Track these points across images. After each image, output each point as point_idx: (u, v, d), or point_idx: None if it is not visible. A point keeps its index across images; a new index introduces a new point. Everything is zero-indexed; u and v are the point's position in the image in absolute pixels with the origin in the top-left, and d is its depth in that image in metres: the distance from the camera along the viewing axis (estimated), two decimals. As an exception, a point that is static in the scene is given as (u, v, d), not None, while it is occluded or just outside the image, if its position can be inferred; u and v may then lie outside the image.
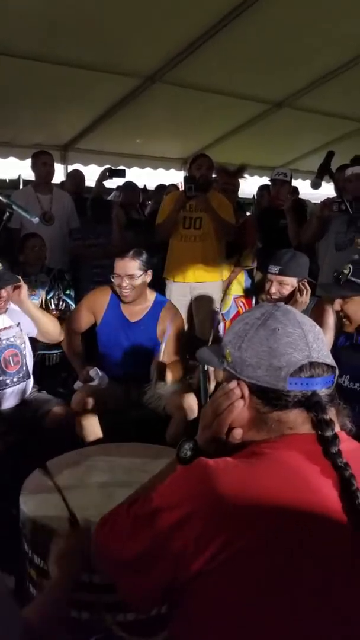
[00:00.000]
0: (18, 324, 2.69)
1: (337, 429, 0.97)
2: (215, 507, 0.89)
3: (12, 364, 2.64)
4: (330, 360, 1.00)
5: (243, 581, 0.87)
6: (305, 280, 2.68)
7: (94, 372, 2.83)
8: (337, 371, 1.02)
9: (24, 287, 2.63)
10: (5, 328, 2.64)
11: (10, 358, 2.64)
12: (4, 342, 2.62)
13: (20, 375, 2.68)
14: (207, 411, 1.05)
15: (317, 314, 2.61)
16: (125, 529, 0.99)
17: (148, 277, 2.87)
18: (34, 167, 4.39)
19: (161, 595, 0.96)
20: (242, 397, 1.00)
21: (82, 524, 1.41)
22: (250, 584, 0.87)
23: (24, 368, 2.70)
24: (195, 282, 3.98)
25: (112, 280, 2.84)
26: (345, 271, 2.17)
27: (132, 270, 2.78)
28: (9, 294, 2.58)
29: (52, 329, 2.79)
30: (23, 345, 2.70)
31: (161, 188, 6.07)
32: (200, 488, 0.91)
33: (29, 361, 2.76)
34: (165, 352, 2.76)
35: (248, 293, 4.42)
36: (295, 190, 5.54)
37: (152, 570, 0.93)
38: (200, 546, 0.87)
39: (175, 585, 0.91)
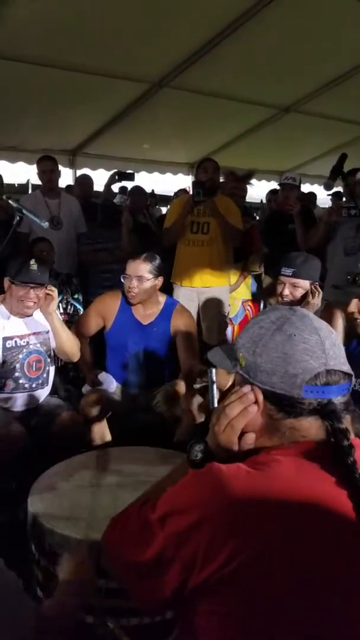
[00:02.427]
0: (47, 332, 2.69)
1: (351, 437, 0.95)
2: (226, 514, 0.88)
3: (34, 370, 2.65)
4: (346, 368, 0.98)
5: (250, 590, 0.86)
6: (317, 283, 2.67)
7: (103, 376, 2.83)
8: (353, 379, 0.99)
9: (55, 300, 2.60)
10: (34, 333, 2.65)
11: (34, 363, 2.64)
12: (31, 346, 2.63)
13: (40, 381, 2.68)
14: (219, 414, 1.03)
15: (325, 318, 2.59)
16: (136, 531, 0.98)
17: (159, 283, 2.88)
18: (37, 174, 4.42)
19: (170, 599, 0.95)
20: (256, 402, 0.98)
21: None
22: (256, 593, 0.86)
23: (44, 375, 2.70)
24: (203, 286, 3.98)
25: (122, 281, 2.86)
26: None
27: (141, 272, 2.79)
28: (40, 298, 2.55)
29: (70, 349, 2.72)
30: (48, 352, 2.70)
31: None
32: (211, 494, 0.90)
33: (52, 369, 2.76)
34: (179, 355, 2.76)
35: (255, 297, 4.42)
36: (303, 196, 5.54)
37: (161, 575, 0.92)
38: (210, 553, 0.86)
39: (185, 590, 0.91)
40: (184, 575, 0.89)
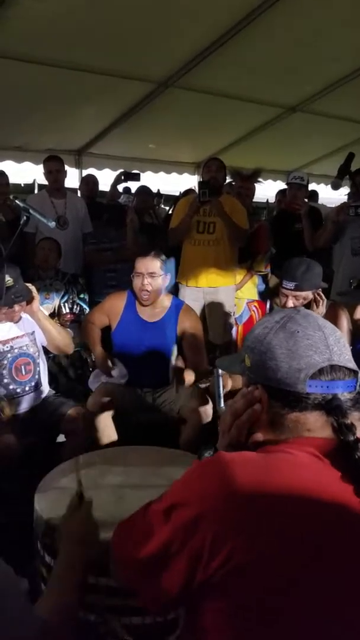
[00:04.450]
0: (32, 332, 2.69)
1: (358, 434, 0.95)
2: (231, 504, 0.88)
3: (24, 373, 2.63)
4: (352, 365, 0.98)
5: (253, 584, 0.86)
6: (320, 289, 2.66)
7: (116, 371, 2.79)
8: (359, 375, 0.99)
9: (37, 298, 2.63)
10: (17, 337, 2.64)
11: (22, 367, 2.63)
12: (15, 350, 2.62)
13: (33, 384, 2.67)
14: (226, 416, 1.04)
15: (330, 318, 2.59)
16: (142, 528, 0.98)
17: (166, 281, 2.89)
18: (44, 174, 4.44)
19: (177, 597, 0.94)
20: (261, 400, 0.99)
21: (87, 498, 1.42)
22: (258, 587, 0.86)
23: (37, 376, 2.69)
24: (208, 286, 3.98)
25: (132, 279, 2.85)
26: None
27: (153, 268, 2.80)
28: (22, 306, 2.58)
29: (61, 342, 2.76)
30: (37, 353, 2.70)
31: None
32: (217, 484, 0.90)
33: (43, 369, 2.75)
34: (186, 355, 2.76)
35: (262, 297, 4.40)
36: (312, 194, 5.50)
37: (168, 570, 0.92)
38: (217, 545, 0.86)
39: (192, 586, 0.90)
40: (191, 569, 0.89)
